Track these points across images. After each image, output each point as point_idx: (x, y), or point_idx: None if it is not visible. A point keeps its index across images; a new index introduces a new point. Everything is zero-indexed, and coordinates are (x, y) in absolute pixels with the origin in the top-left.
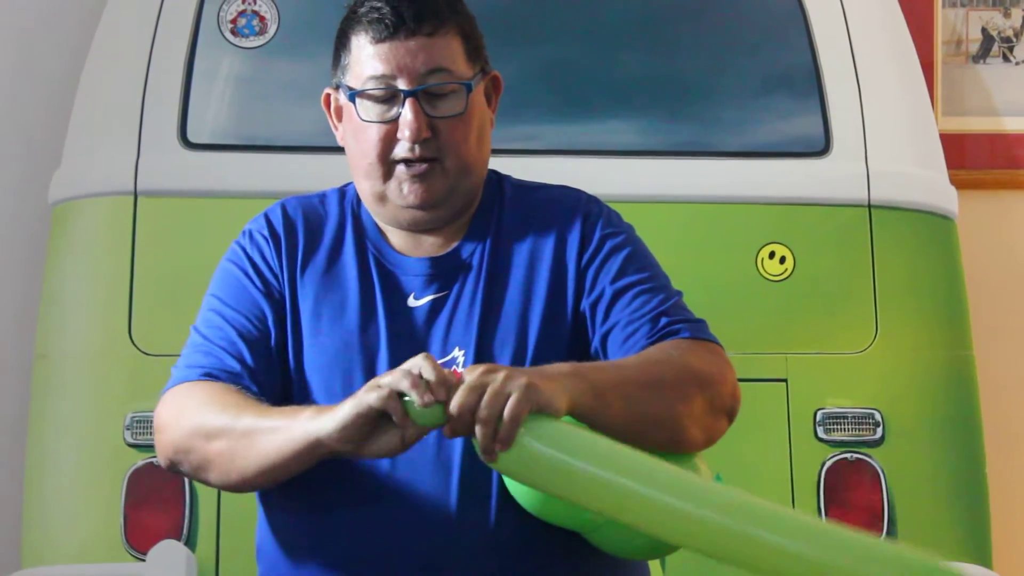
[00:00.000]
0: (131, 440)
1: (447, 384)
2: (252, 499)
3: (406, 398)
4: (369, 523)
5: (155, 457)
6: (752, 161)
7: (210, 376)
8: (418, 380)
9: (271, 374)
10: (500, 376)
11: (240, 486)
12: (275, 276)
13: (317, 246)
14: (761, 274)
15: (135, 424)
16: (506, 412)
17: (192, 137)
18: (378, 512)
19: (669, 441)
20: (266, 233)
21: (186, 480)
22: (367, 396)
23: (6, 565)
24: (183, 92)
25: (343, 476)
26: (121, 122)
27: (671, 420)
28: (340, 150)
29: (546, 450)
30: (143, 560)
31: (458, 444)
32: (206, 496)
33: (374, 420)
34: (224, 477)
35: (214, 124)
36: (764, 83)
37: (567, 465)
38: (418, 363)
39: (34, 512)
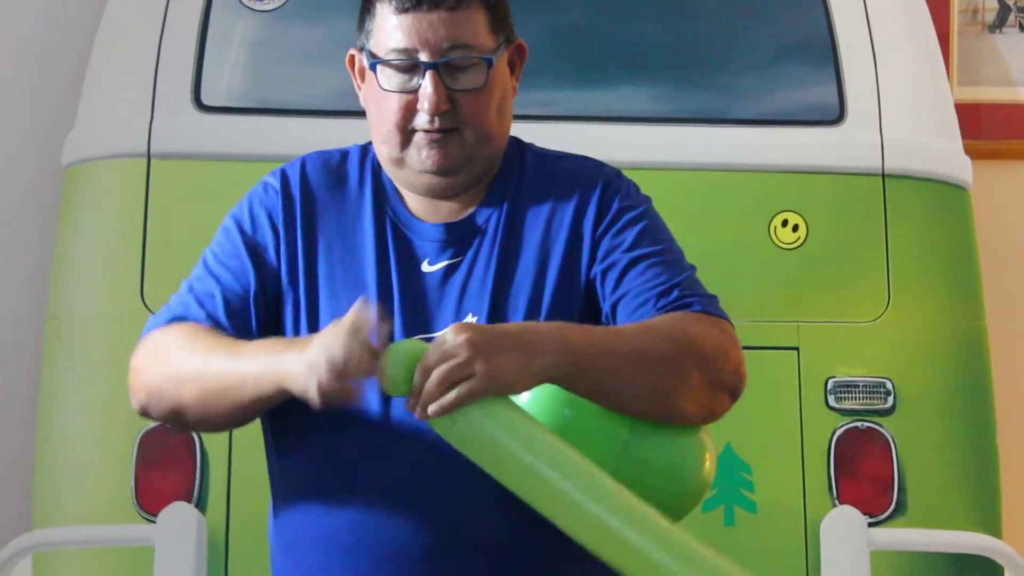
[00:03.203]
0: None
1: (357, 365)
2: (262, 462)
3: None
4: (372, 508)
5: None
6: (766, 129)
7: (180, 320)
8: (332, 372)
9: (247, 335)
10: (463, 352)
11: (212, 427)
12: (275, 233)
13: (335, 204)
14: (774, 242)
15: None
16: (453, 393)
17: (206, 100)
18: (388, 464)
19: (660, 414)
20: (278, 188)
21: (197, 443)
22: (312, 382)
23: (17, 526)
24: (197, 55)
25: (355, 434)
26: (135, 84)
27: (662, 395)
28: (354, 114)
29: (471, 426)
30: (154, 522)
31: None
32: (217, 459)
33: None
34: (196, 418)
35: (228, 87)
36: (779, 51)
37: (487, 442)
38: (335, 344)
39: (45, 474)
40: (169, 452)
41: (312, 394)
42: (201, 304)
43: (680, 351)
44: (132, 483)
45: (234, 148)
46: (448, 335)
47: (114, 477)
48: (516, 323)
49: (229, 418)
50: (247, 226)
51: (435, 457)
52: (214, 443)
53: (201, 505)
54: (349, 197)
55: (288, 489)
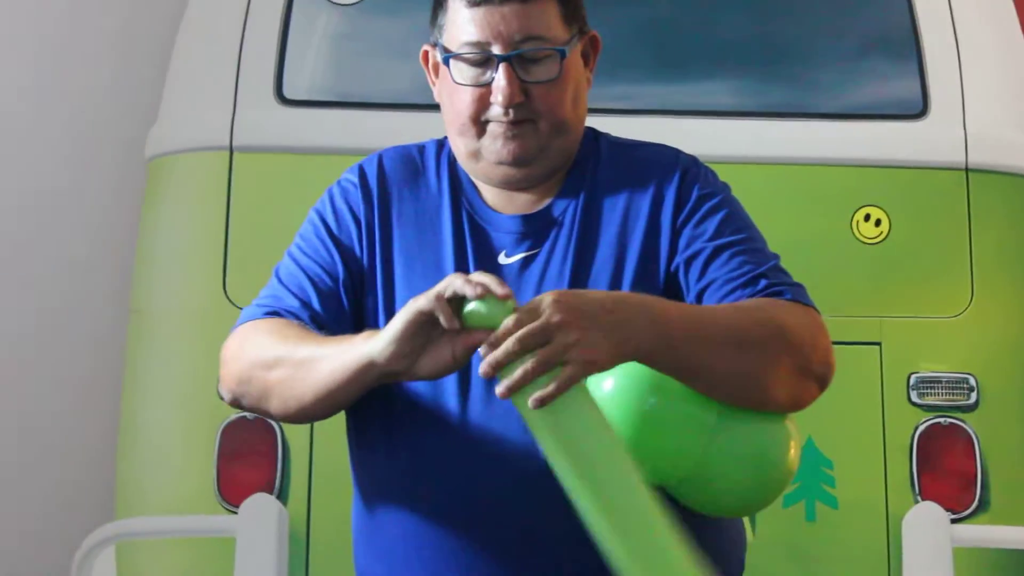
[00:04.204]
0: None
1: (497, 283)
2: (344, 453)
3: (468, 307)
4: (460, 476)
5: (248, 411)
6: (849, 123)
7: (273, 314)
8: (469, 280)
9: (340, 324)
10: (572, 336)
11: (298, 415)
12: (358, 227)
13: (412, 198)
14: (856, 237)
15: None
16: (553, 385)
17: (288, 93)
18: (468, 466)
19: (748, 399)
20: (357, 182)
21: (279, 434)
22: (415, 302)
23: (101, 516)
24: (279, 49)
25: (436, 431)
26: (218, 78)
27: (752, 378)
28: (434, 107)
29: (550, 421)
30: (235, 513)
31: None
32: (298, 450)
33: (425, 330)
34: (283, 405)
35: (310, 81)
36: (862, 45)
37: (558, 434)
38: (467, 275)
39: (128, 464)
40: (251, 444)
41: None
42: (294, 295)
43: (771, 335)
44: (214, 474)
45: (315, 141)
46: (545, 308)
47: (196, 468)
48: (606, 294)
49: (312, 401)
50: (331, 221)
51: (512, 459)
52: (295, 435)
53: (283, 496)
54: (426, 190)
55: (370, 484)
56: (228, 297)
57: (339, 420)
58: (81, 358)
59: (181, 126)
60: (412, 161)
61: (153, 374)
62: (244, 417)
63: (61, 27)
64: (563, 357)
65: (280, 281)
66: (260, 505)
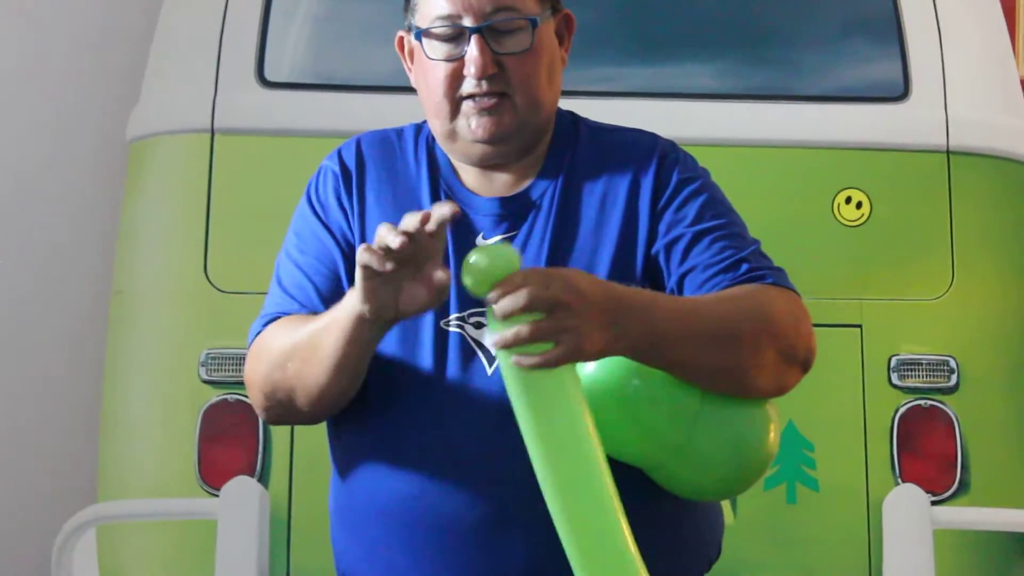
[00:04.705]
0: (206, 377)
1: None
2: (324, 436)
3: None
4: (425, 480)
5: (229, 394)
6: (830, 105)
7: (276, 319)
8: (392, 229)
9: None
10: (571, 321)
11: (325, 400)
12: (344, 213)
13: (391, 180)
14: (837, 219)
15: (210, 361)
16: (538, 359)
17: (269, 76)
18: (431, 455)
19: (734, 389)
20: (337, 170)
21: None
22: (358, 257)
23: (82, 499)
24: (260, 31)
25: (408, 403)
26: (199, 60)
27: (738, 370)
28: (414, 90)
29: (527, 384)
30: (217, 496)
31: None
32: (279, 433)
33: (385, 278)
34: (308, 396)
35: (291, 63)
36: (844, 27)
37: (536, 401)
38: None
39: (110, 447)
40: (232, 427)
41: (368, 266)
42: (294, 298)
43: (758, 329)
44: (195, 457)
45: (297, 124)
46: (556, 283)
47: (177, 451)
48: (610, 288)
49: (330, 379)
50: (319, 210)
51: (487, 429)
52: None
53: (264, 479)
54: (405, 173)
55: (346, 461)
56: (209, 279)
57: None
58: (63, 340)
59: (162, 108)
60: (390, 144)
61: (134, 356)
62: (225, 400)
63: (42, 8)
64: (557, 337)
65: (280, 286)
66: (241, 488)
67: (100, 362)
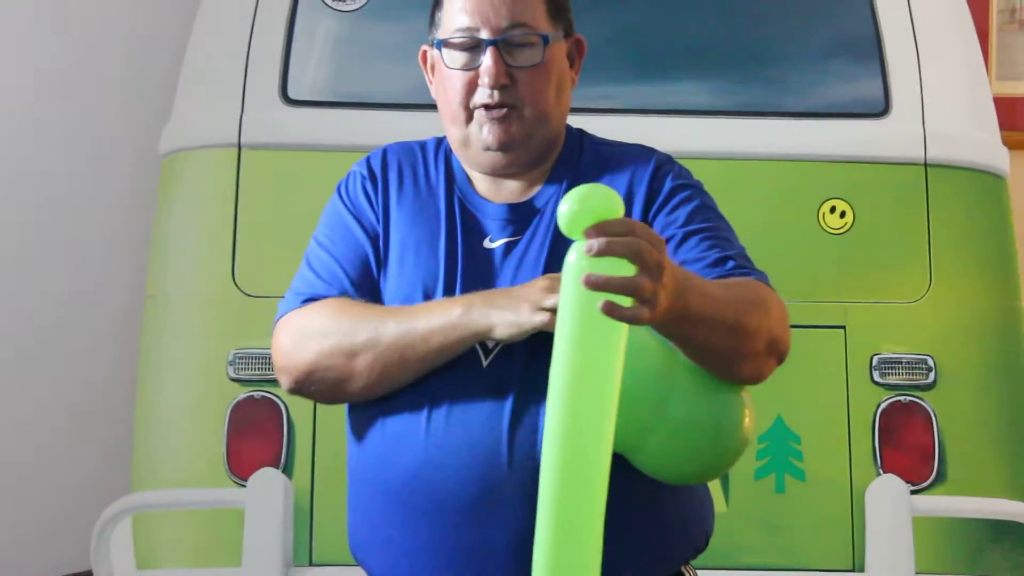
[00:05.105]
0: (234, 375)
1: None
2: (344, 431)
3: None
4: (423, 452)
5: (256, 391)
6: (816, 121)
7: (310, 301)
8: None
9: (374, 286)
10: (662, 284)
11: (381, 390)
12: (373, 212)
13: (412, 186)
14: (822, 227)
15: (237, 360)
16: (635, 313)
17: (292, 94)
18: (430, 439)
19: (722, 371)
20: (365, 173)
21: (284, 413)
22: (536, 317)
23: (118, 489)
24: (284, 52)
25: (402, 403)
26: (227, 80)
27: (735, 355)
28: (429, 107)
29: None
30: (244, 486)
31: (515, 375)
32: (302, 427)
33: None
34: (368, 384)
35: (313, 82)
36: (828, 48)
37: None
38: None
39: (144, 441)
40: (258, 421)
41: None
42: (326, 282)
43: (759, 319)
44: (224, 451)
45: (318, 139)
46: (660, 245)
47: (207, 445)
48: (677, 268)
49: (402, 379)
50: (348, 204)
51: (484, 412)
52: (300, 413)
53: (288, 470)
54: (425, 180)
55: (356, 439)
56: (236, 284)
57: None
58: (101, 342)
59: (193, 124)
60: (413, 154)
61: (166, 357)
62: (252, 396)
63: (79, 28)
64: (643, 295)
65: (312, 269)
66: (267, 479)
67: (135, 362)
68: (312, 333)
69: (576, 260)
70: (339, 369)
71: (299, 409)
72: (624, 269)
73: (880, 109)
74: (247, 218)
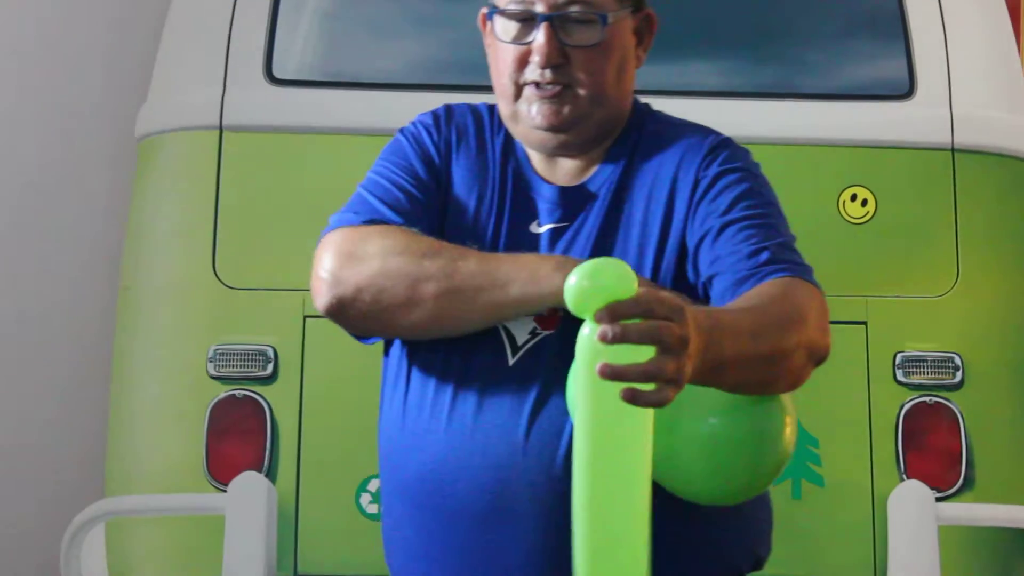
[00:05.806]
0: (214, 372)
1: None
2: (331, 432)
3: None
4: (442, 450)
5: (237, 390)
6: (836, 103)
7: (371, 223)
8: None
9: (432, 234)
10: (684, 364)
11: (435, 329)
12: (439, 158)
13: (469, 151)
14: (843, 216)
15: (218, 356)
16: (659, 397)
17: (278, 73)
18: (450, 438)
19: (760, 393)
20: (431, 123)
21: (268, 412)
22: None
23: (91, 494)
24: (269, 28)
25: (433, 383)
26: (207, 58)
27: (772, 379)
28: (425, 87)
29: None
30: (224, 491)
31: (539, 376)
32: (287, 429)
33: None
34: (429, 317)
35: (298, 60)
36: (849, 26)
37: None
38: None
39: (118, 443)
40: (239, 422)
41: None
42: (390, 207)
43: (797, 339)
44: (203, 453)
45: (305, 121)
46: (682, 318)
47: (185, 447)
48: (702, 314)
49: (462, 323)
50: (413, 144)
51: (503, 414)
52: (284, 413)
53: (271, 475)
54: (482, 147)
55: (383, 427)
56: (217, 275)
57: (326, 399)
58: (73, 336)
59: (171, 105)
60: (479, 117)
61: (142, 352)
62: (233, 395)
63: (54, 8)
64: (669, 378)
65: (374, 195)
66: (249, 483)
67: (109, 358)
68: (374, 251)
69: (590, 342)
70: (399, 292)
71: (283, 409)
72: (643, 352)
73: (904, 90)
74: (228, 205)
